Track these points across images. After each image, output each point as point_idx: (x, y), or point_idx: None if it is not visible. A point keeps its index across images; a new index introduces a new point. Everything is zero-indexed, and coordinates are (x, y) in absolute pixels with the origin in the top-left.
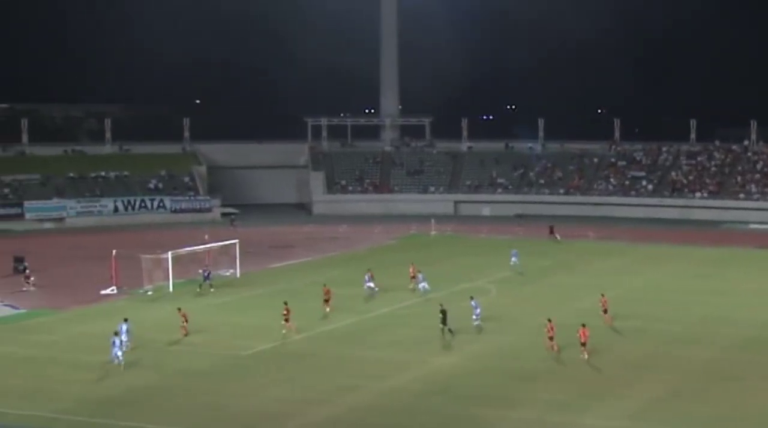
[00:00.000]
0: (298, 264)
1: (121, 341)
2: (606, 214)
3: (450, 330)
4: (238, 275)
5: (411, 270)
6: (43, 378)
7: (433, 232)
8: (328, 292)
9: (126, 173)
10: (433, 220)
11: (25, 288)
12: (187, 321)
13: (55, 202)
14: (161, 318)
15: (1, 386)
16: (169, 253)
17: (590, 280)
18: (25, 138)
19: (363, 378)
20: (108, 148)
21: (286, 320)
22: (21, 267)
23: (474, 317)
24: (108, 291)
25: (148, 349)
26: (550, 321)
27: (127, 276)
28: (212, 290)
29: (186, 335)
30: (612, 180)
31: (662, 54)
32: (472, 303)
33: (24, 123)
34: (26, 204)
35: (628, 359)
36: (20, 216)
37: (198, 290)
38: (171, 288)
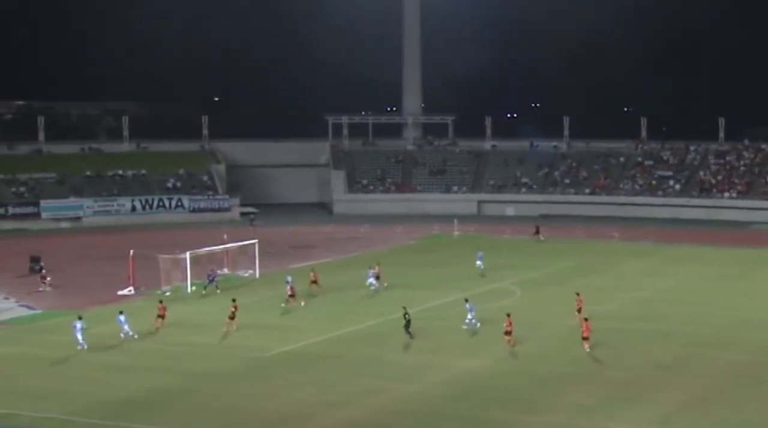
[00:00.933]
0: (318, 264)
1: (125, 332)
2: (632, 214)
3: (409, 334)
4: (257, 275)
5: (376, 269)
6: (59, 379)
7: (456, 233)
8: (315, 276)
9: (144, 172)
10: (456, 220)
11: (41, 289)
12: (234, 314)
13: (72, 201)
14: (180, 319)
15: (16, 387)
16: (188, 253)
17: (616, 282)
18: (41, 136)
19: (385, 381)
20: (125, 146)
21: (232, 317)
22: (37, 268)
23: (467, 320)
24: (125, 291)
25: (167, 350)
26: (587, 320)
27: (145, 277)
28: (218, 291)
29: (232, 329)
30: (638, 179)
31: (690, 52)
32: (467, 306)
33: (40, 120)
34: (42, 203)
35: (655, 362)
36: (36, 216)
37: (203, 291)
38: (189, 289)
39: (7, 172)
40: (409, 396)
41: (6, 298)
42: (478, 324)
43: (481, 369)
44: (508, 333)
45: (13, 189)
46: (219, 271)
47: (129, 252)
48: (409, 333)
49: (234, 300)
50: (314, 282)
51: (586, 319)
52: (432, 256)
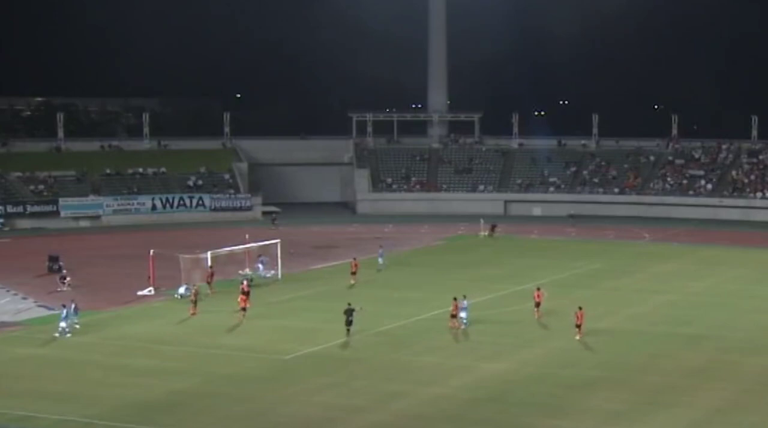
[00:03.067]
0: (341, 265)
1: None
2: (663, 214)
3: (348, 331)
4: (279, 276)
5: (353, 265)
6: (79, 382)
7: (482, 233)
8: (356, 266)
9: (164, 170)
10: (482, 220)
11: (60, 289)
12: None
13: (91, 199)
14: (201, 320)
15: (36, 389)
16: (208, 253)
17: (646, 284)
18: (60, 133)
19: (409, 384)
20: (146, 144)
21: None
22: (56, 267)
23: (462, 320)
24: (145, 292)
25: (189, 352)
26: (581, 309)
27: (165, 277)
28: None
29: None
30: (669, 179)
31: (722, 48)
32: (463, 303)
33: (60, 117)
34: (61, 201)
35: (686, 366)
36: (55, 214)
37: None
38: (209, 289)
39: (25, 170)
40: (434, 399)
41: (24, 298)
42: (467, 325)
43: (507, 372)
44: (578, 326)
45: (32, 187)
46: (240, 272)
47: (149, 251)
48: (348, 329)
49: (246, 294)
50: (354, 273)
51: (580, 308)
52: (458, 257)
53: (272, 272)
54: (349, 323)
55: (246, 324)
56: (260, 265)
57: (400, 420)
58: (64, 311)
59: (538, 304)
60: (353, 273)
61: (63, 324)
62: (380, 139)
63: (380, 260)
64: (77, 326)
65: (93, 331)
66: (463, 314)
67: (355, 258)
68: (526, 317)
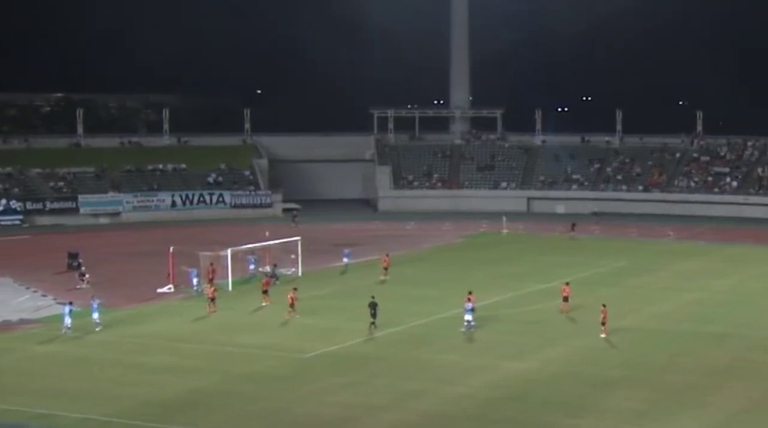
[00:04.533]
0: (362, 262)
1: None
2: (687, 212)
3: (374, 324)
4: (299, 273)
5: (384, 261)
6: (97, 380)
7: (504, 230)
8: (387, 262)
9: (184, 166)
10: (504, 218)
11: (79, 286)
12: (294, 303)
13: (111, 196)
14: (220, 318)
15: (54, 387)
16: (229, 250)
17: (670, 282)
18: (80, 129)
19: (430, 383)
20: (166, 140)
21: (291, 305)
22: (75, 264)
23: (465, 323)
24: (165, 289)
25: (207, 350)
26: (605, 306)
27: (185, 274)
28: (277, 283)
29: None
30: (694, 176)
31: (747, 43)
32: (468, 304)
33: (79, 113)
34: (81, 198)
35: (710, 365)
36: (74, 211)
37: (277, 283)
38: (230, 287)
39: (45, 166)
40: (455, 398)
41: (43, 295)
42: (474, 327)
43: (529, 371)
44: (603, 323)
45: (51, 183)
46: (261, 269)
47: (169, 248)
48: (372, 322)
49: (295, 289)
50: (385, 268)
51: (604, 306)
52: (480, 254)
53: (292, 270)
54: (373, 316)
55: (265, 322)
56: (251, 265)
57: (420, 420)
58: (67, 308)
59: (566, 299)
60: (385, 269)
61: (68, 321)
62: (402, 136)
63: (345, 259)
64: (96, 323)
65: (111, 329)
66: (468, 316)
67: (387, 255)
68: (548, 316)
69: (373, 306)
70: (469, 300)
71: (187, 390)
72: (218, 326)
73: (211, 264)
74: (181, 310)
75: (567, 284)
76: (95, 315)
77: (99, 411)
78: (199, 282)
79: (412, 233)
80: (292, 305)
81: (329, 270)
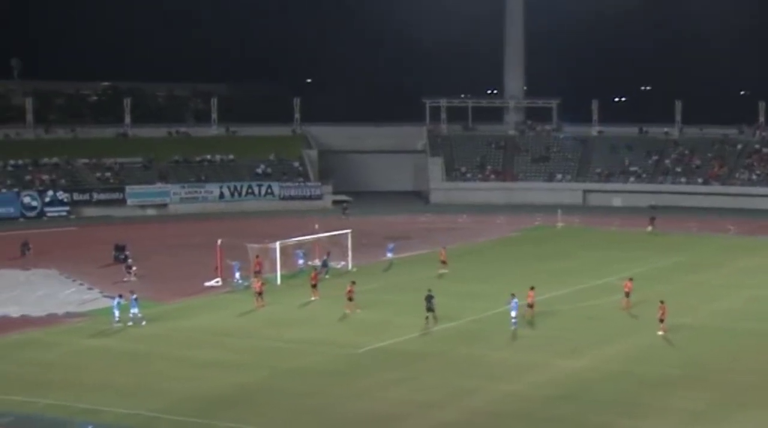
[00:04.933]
0: (414, 256)
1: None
2: (748, 205)
3: (434, 317)
4: (350, 267)
5: (441, 254)
6: (144, 375)
7: (559, 224)
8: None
9: (232, 157)
10: (559, 211)
11: (126, 279)
12: (352, 296)
13: (158, 187)
14: (269, 312)
15: (100, 382)
16: (277, 243)
17: (731, 279)
18: (127, 118)
19: (483, 381)
20: (214, 130)
21: (350, 299)
22: (122, 257)
23: (511, 320)
24: (212, 283)
25: (256, 345)
26: (662, 303)
27: (231, 268)
28: (327, 277)
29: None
30: (756, 168)
31: None
32: (512, 303)
33: (126, 102)
34: (128, 189)
35: None
36: (122, 202)
37: (326, 276)
38: (279, 281)
39: (92, 156)
40: (509, 397)
41: (89, 288)
42: (515, 325)
43: (585, 369)
44: (661, 320)
45: (98, 174)
46: (310, 263)
47: (216, 241)
48: (433, 315)
49: (353, 283)
50: (443, 261)
51: (662, 302)
52: (535, 249)
53: (342, 263)
54: (429, 309)
55: (314, 317)
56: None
57: (471, 417)
58: (116, 301)
59: (627, 294)
60: (443, 263)
61: (117, 313)
62: (454, 126)
63: (389, 254)
64: (137, 318)
65: (159, 322)
66: (513, 313)
67: (444, 248)
68: (604, 312)
69: (429, 299)
70: (529, 296)
71: (235, 385)
72: (266, 320)
73: (257, 256)
74: (229, 304)
75: (630, 279)
76: (134, 310)
77: (146, 406)
78: (241, 275)
79: (465, 226)
80: (350, 299)
81: (380, 263)
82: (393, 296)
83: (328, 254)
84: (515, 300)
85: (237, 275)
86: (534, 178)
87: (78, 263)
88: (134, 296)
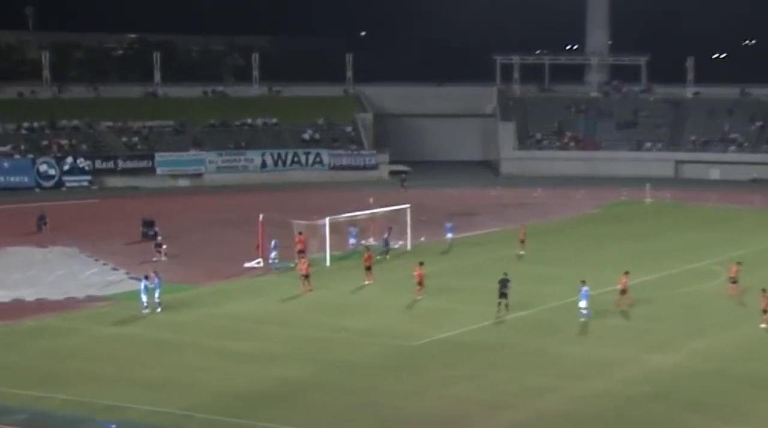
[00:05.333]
0: (481, 235)
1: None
2: None
3: (507, 305)
4: (408, 247)
5: (521, 233)
6: (174, 367)
7: (647, 199)
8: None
9: (276, 121)
10: (648, 185)
11: (155, 259)
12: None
13: (192, 154)
14: (317, 298)
15: (125, 375)
16: (327, 220)
17: None
18: (157, 76)
19: (559, 378)
20: (255, 90)
21: (420, 283)
22: (151, 233)
23: (581, 310)
24: (253, 264)
25: (301, 336)
26: (765, 291)
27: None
28: (387, 258)
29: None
30: None
31: None
32: (583, 290)
33: (156, 58)
34: (158, 156)
35: None
36: (151, 171)
37: (378, 257)
38: (328, 262)
39: (117, 119)
40: (588, 396)
41: (114, 269)
42: (591, 315)
43: (676, 365)
44: (764, 311)
45: (124, 139)
46: (363, 242)
47: (258, 216)
48: (505, 303)
49: (421, 264)
50: (522, 241)
51: (764, 290)
52: (619, 228)
53: (399, 243)
54: (503, 295)
55: (368, 303)
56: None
57: (547, 420)
58: (143, 284)
59: (734, 280)
60: (522, 242)
61: (144, 298)
62: (529, 87)
63: (449, 235)
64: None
65: (191, 308)
66: (582, 303)
67: (524, 225)
68: (698, 300)
69: (504, 283)
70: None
71: (277, 380)
72: (313, 307)
73: (300, 234)
74: (271, 288)
75: (738, 263)
76: (156, 294)
77: (175, 402)
78: (278, 255)
79: (540, 202)
80: (420, 283)
81: (440, 244)
82: (455, 281)
83: (390, 231)
84: (585, 288)
85: (273, 255)
86: (619, 146)
87: (101, 240)
88: (157, 278)
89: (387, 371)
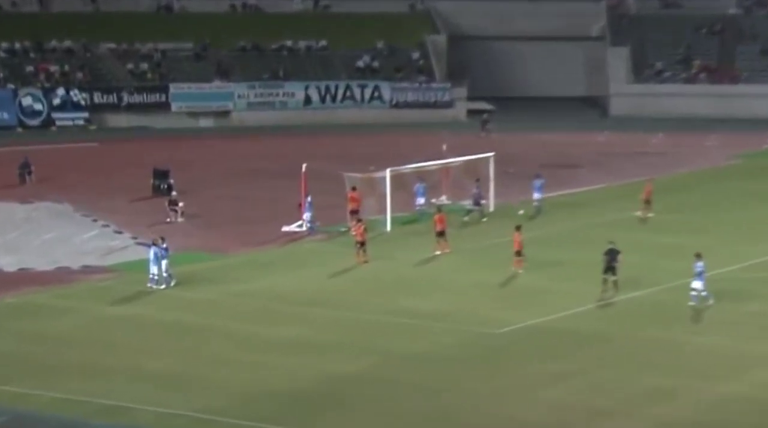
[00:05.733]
0: (582, 194)
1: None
2: None
3: (615, 283)
4: (491, 207)
5: (645, 191)
6: (194, 359)
7: None
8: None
9: (324, 44)
10: None
11: (169, 219)
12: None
13: (217, 85)
14: (375, 271)
15: (132, 368)
16: (387, 172)
17: None
18: None
19: (683, 378)
20: (297, 5)
21: (519, 253)
22: (164, 187)
23: (694, 291)
24: (293, 227)
25: (354, 320)
26: None
27: (323, 205)
28: (484, 220)
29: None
30: None
31: None
32: (697, 266)
33: None
34: (173, 88)
35: None
36: (164, 107)
37: (465, 218)
38: (389, 226)
39: (120, 40)
40: (717, 402)
41: (117, 232)
42: (711, 300)
43: None
44: None
45: (131, 65)
46: (434, 200)
47: (300, 167)
48: (613, 280)
49: (518, 229)
50: (647, 201)
51: None
52: (762, 184)
53: (482, 202)
54: (609, 270)
55: (440, 279)
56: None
57: None
58: (152, 251)
59: None
60: (647, 202)
61: (154, 269)
62: (648, 2)
63: (537, 194)
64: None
65: (215, 284)
66: (698, 283)
67: (649, 180)
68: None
69: (611, 255)
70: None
71: (323, 377)
72: (370, 283)
73: (353, 189)
74: (317, 258)
75: None
76: (164, 265)
77: (194, 404)
78: (313, 216)
79: (660, 150)
80: (519, 252)
81: (527, 205)
82: (549, 252)
83: (478, 182)
84: (700, 263)
85: (307, 215)
86: (764, 78)
87: (101, 196)
88: (164, 244)
89: (465, 366)
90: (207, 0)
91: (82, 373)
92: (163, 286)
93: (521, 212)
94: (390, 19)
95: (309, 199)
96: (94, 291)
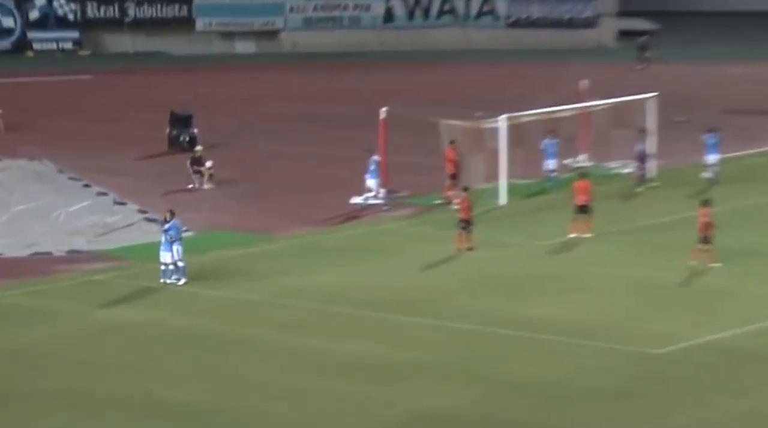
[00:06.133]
0: None
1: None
2: None
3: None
4: (654, 172)
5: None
6: (222, 384)
7: None
8: None
9: None
10: None
11: (192, 185)
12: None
13: None
14: (482, 261)
15: (140, 397)
16: (502, 119)
17: None
18: None
19: None
20: None
21: (705, 240)
22: (184, 139)
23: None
24: (361, 199)
25: (453, 331)
26: None
27: (403, 165)
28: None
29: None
30: None
31: None
32: (708, 137)
33: None
34: (197, 1)
35: None
36: (186, 24)
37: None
38: (504, 198)
39: None
40: None
41: (119, 203)
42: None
43: None
44: None
45: None
46: (569, 161)
47: (378, 111)
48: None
49: (705, 204)
50: None
51: None
52: None
53: (647, 164)
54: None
55: (571, 274)
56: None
57: None
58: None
59: None
60: None
61: (168, 257)
62: None
63: (711, 156)
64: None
65: (253, 278)
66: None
67: None
68: None
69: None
70: None
71: (408, 414)
72: (477, 280)
73: (452, 143)
74: (401, 244)
75: None
76: (176, 254)
77: None
78: (380, 183)
79: None
80: (705, 239)
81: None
82: (732, 239)
83: (643, 133)
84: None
85: (372, 182)
86: None
87: (97, 150)
88: (172, 219)
89: (611, 399)
90: None
91: (65, 404)
92: (182, 282)
93: (708, 175)
94: None
95: (373, 159)
96: (84, 288)
